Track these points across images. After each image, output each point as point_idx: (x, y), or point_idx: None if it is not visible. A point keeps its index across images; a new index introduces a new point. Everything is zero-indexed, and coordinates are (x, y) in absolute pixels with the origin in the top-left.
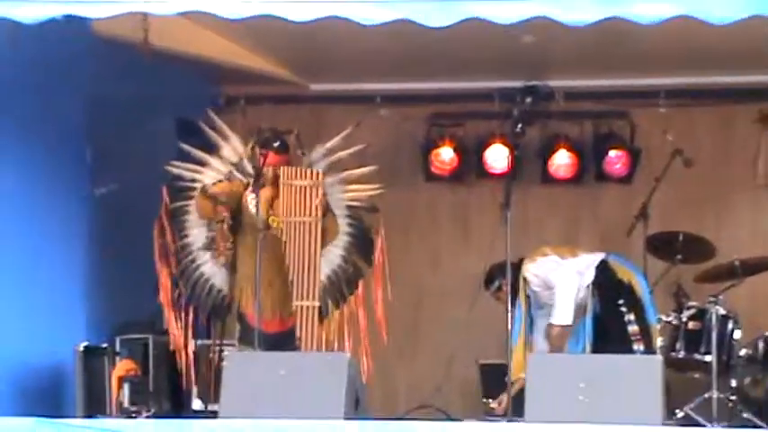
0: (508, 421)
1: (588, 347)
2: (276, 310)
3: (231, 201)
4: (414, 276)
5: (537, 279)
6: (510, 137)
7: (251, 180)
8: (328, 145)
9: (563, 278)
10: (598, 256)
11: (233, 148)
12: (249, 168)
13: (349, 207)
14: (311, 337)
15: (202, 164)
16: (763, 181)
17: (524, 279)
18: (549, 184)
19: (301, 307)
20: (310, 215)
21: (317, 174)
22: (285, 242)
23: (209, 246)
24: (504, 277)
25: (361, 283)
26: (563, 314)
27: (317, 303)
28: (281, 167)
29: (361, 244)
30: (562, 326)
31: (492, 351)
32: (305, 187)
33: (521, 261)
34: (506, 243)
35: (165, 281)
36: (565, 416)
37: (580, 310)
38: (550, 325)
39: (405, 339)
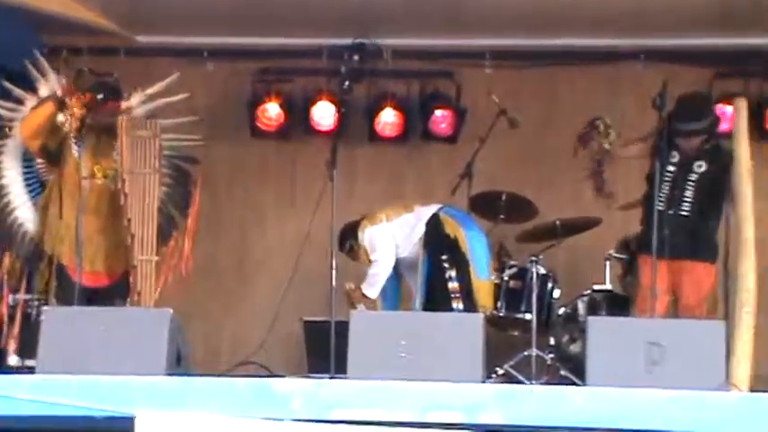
0: (330, 378)
1: (420, 303)
2: (100, 263)
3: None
4: (239, 232)
5: (368, 244)
6: (337, 94)
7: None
8: (149, 91)
9: (382, 254)
10: (432, 209)
11: (50, 88)
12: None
13: (167, 157)
14: (150, 292)
15: (21, 102)
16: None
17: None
18: (376, 143)
19: (142, 261)
20: (150, 167)
21: (156, 124)
22: (127, 194)
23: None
24: (354, 239)
25: (175, 235)
26: (372, 288)
27: (155, 258)
28: (122, 117)
29: (179, 195)
30: (369, 297)
31: (316, 308)
32: (145, 139)
33: (362, 219)
34: (332, 200)
35: None
36: (386, 373)
37: (414, 264)
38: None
39: (229, 296)
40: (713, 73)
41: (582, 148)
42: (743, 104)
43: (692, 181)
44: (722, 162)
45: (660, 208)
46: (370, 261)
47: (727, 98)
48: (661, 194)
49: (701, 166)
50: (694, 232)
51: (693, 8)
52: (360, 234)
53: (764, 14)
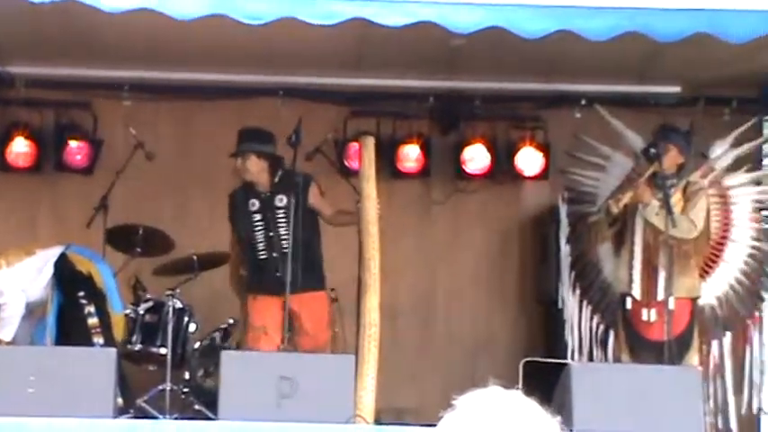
0: None
1: (51, 343)
2: None
3: None
4: None
5: None
6: None
7: None
8: None
9: (10, 296)
10: (57, 250)
11: None
12: None
13: None
14: None
15: None
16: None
17: None
18: (8, 174)
19: None
20: None
21: None
22: None
23: None
24: None
25: None
26: (5, 329)
27: None
28: None
29: None
30: (4, 340)
31: None
32: None
33: None
34: None
35: None
36: (14, 409)
37: (41, 306)
38: None
39: None
40: (349, 111)
41: None
42: (370, 143)
43: (281, 218)
44: (297, 190)
45: (263, 256)
46: None
47: (360, 136)
48: (258, 243)
49: (282, 200)
50: (301, 264)
51: (328, 48)
52: None
53: (395, 57)
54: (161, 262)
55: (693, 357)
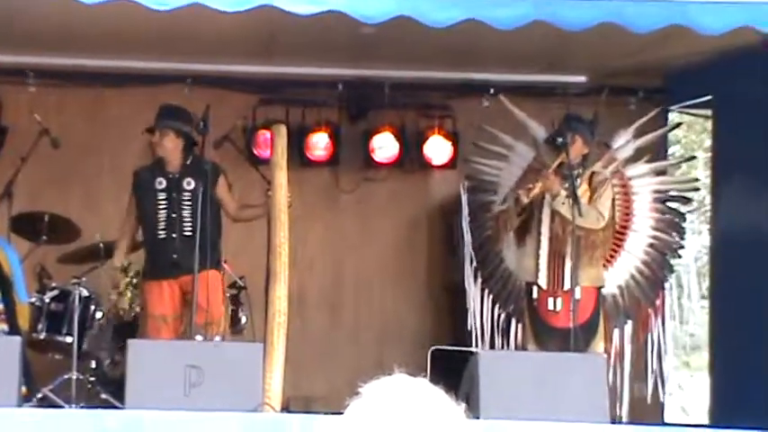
0: None
1: None
2: None
3: None
4: None
5: None
6: None
7: None
8: None
9: None
10: None
11: None
12: None
13: None
14: None
15: None
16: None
17: None
18: None
19: None
20: None
21: None
22: None
23: None
24: None
25: None
26: None
27: None
28: None
29: None
30: None
31: None
32: None
33: None
34: None
35: None
36: None
37: None
38: None
39: None
40: (257, 99)
41: None
42: (282, 131)
43: (186, 200)
44: (206, 176)
45: (162, 236)
46: None
47: (269, 125)
48: (160, 222)
49: (189, 183)
50: (200, 247)
51: (237, 36)
52: None
53: (305, 45)
54: (67, 250)
55: (599, 345)
